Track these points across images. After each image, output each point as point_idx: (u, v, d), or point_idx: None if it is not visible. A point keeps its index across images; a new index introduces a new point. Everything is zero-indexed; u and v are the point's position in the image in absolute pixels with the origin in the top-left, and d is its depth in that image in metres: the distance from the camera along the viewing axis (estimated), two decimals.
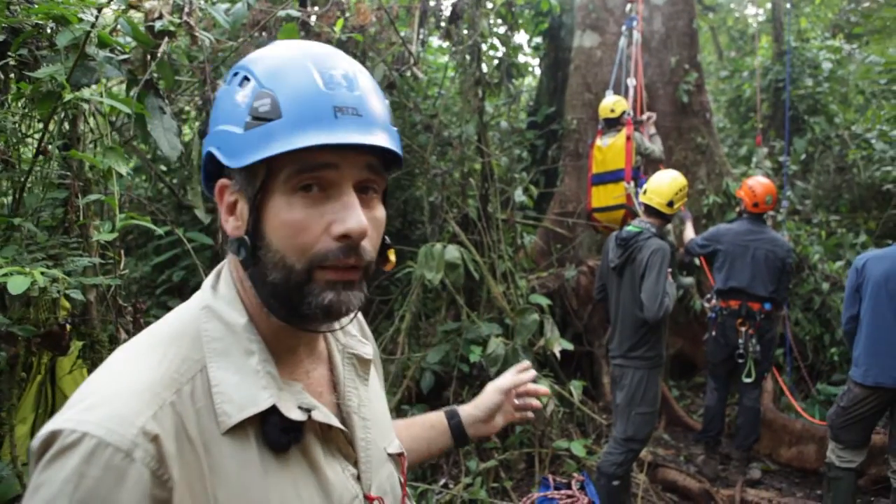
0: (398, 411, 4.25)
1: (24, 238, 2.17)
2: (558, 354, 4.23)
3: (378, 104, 0.79)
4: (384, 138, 0.77)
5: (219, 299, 0.82)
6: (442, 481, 4.01)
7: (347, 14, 3.55)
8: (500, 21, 5.27)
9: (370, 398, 0.96)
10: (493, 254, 4.64)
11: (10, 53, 2.21)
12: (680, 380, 5.91)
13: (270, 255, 0.76)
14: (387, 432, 0.99)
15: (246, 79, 0.77)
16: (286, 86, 0.74)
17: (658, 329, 3.48)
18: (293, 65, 0.76)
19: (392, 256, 0.90)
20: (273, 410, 0.76)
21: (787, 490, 4.28)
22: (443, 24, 4.74)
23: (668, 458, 4.59)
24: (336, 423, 0.84)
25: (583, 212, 5.65)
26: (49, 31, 2.29)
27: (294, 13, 2.74)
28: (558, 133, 6.24)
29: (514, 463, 4.23)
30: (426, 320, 4.77)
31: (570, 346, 4.43)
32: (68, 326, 2.37)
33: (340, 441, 0.86)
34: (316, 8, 3.48)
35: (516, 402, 1.31)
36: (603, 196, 4.98)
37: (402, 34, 4.33)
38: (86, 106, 2.20)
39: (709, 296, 4.52)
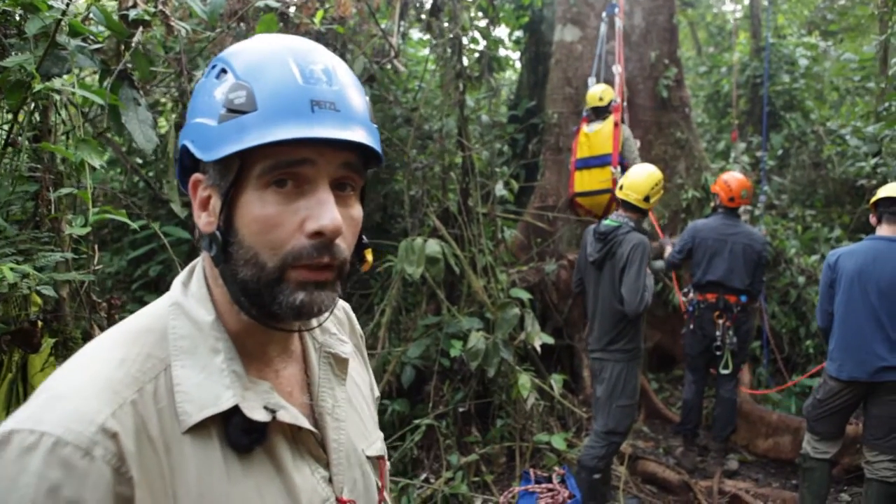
0: (379, 406, 4.23)
1: None
2: (539, 348, 4.24)
3: (358, 99, 0.77)
4: (362, 134, 0.75)
5: (189, 296, 0.81)
6: (423, 476, 4.00)
7: (327, 5, 3.50)
8: (480, 14, 5.25)
9: (349, 397, 0.93)
10: (473, 248, 4.63)
11: None
12: (659, 372, 5.97)
13: (242, 252, 0.74)
14: (367, 434, 0.96)
15: (224, 71, 0.76)
16: (263, 79, 0.72)
17: (637, 322, 3.50)
18: (272, 58, 0.75)
19: (369, 256, 0.89)
20: (236, 410, 0.74)
21: (763, 480, 4.35)
22: (423, 16, 4.70)
23: (647, 451, 4.64)
24: (305, 423, 0.81)
25: (563, 205, 5.66)
26: (18, 18, 2.22)
27: (273, 3, 2.69)
28: (539, 127, 6.24)
29: (495, 457, 4.23)
30: (407, 314, 4.74)
31: (550, 340, 4.44)
32: (40, 323, 2.31)
33: (311, 443, 0.83)
34: None
35: None
36: (587, 180, 5.01)
37: (383, 26, 4.29)
38: (57, 97, 2.14)
39: (686, 290, 4.56)
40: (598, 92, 5.01)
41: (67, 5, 2.00)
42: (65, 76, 2.20)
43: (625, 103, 5.28)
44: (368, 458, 0.94)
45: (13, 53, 2.19)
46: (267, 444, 0.78)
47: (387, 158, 4.90)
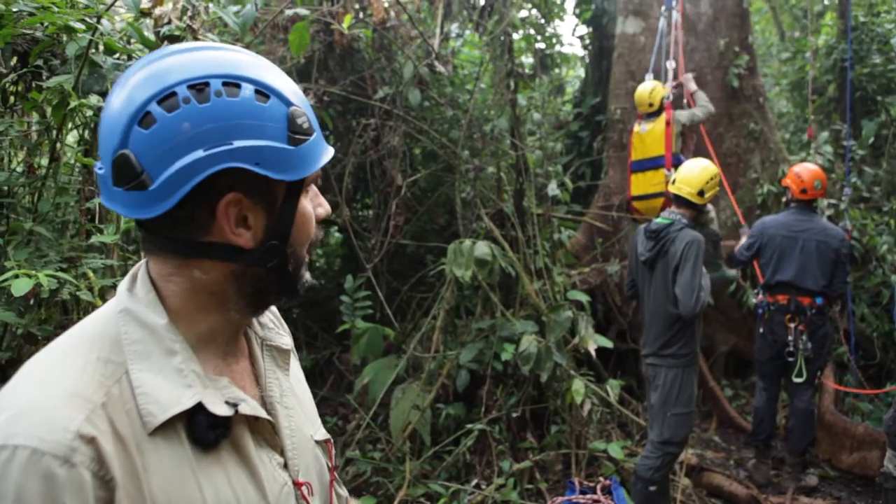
0: (433, 410, 4.22)
1: (40, 241, 2.26)
2: (593, 352, 4.09)
3: None
4: None
5: (136, 302, 0.82)
6: (474, 482, 3.95)
7: (368, 11, 3.53)
8: (535, 12, 5.15)
9: (292, 387, 0.99)
10: (528, 250, 4.54)
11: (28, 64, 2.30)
12: (734, 378, 5.63)
13: (293, 250, 0.86)
14: (312, 419, 1.02)
15: (261, 94, 0.79)
16: (302, 102, 0.84)
17: (692, 325, 3.31)
18: (288, 80, 0.85)
19: None
20: (199, 408, 0.78)
21: (846, 499, 4.00)
22: (474, 16, 4.67)
23: (715, 462, 4.37)
24: (263, 414, 0.86)
25: (624, 206, 5.45)
26: (62, 41, 2.37)
27: (303, 12, 2.74)
28: (602, 124, 6.05)
29: (550, 464, 4.12)
30: (465, 317, 4.71)
31: (607, 344, 4.28)
32: None
33: (267, 432, 0.88)
34: (334, 6, 3.48)
35: None
36: (642, 184, 4.78)
37: (431, 29, 4.29)
38: (88, 112, 2.26)
39: (756, 290, 4.27)
40: (646, 93, 4.70)
41: (95, 27, 2.11)
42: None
43: (684, 77, 5.00)
44: (317, 442, 1.00)
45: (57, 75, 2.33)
46: (231, 436, 0.82)
47: (442, 161, 4.89)
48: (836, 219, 5.09)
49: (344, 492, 1.09)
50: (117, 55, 2.38)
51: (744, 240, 4.47)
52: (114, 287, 2.55)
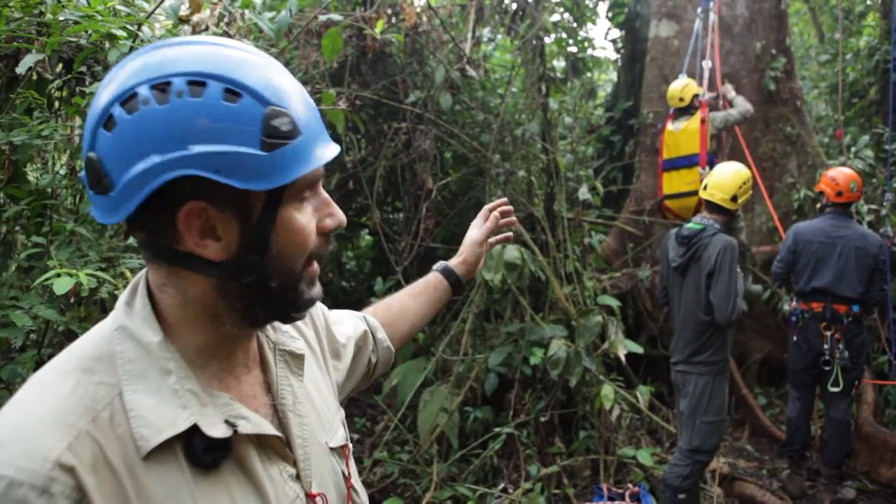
0: (461, 413, 4.23)
1: (80, 241, 2.34)
2: (623, 357, 4.05)
3: None
4: None
5: (133, 317, 0.79)
6: (501, 485, 3.94)
7: (400, 16, 3.57)
8: (568, 16, 5.13)
9: (307, 393, 0.95)
10: (558, 254, 4.52)
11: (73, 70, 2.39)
12: (768, 387, 5.51)
13: (276, 265, 0.78)
14: (328, 425, 0.98)
15: (232, 92, 0.71)
16: (291, 101, 0.75)
17: (724, 332, 3.26)
18: (279, 77, 0.76)
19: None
20: (196, 429, 0.75)
21: None
22: (506, 20, 4.68)
23: (748, 471, 4.29)
24: (268, 430, 0.83)
25: (654, 208, 5.39)
26: (105, 48, 2.45)
27: (336, 17, 2.78)
28: (634, 128, 5.99)
29: (578, 470, 4.09)
30: (495, 321, 4.71)
31: (638, 349, 4.24)
32: None
33: (277, 444, 0.85)
34: (370, 11, 3.52)
35: (492, 240, 1.45)
36: (675, 182, 4.74)
37: (463, 33, 4.31)
38: None
39: (790, 297, 4.18)
40: (678, 89, 4.71)
41: (137, 34, 2.18)
42: None
43: (724, 89, 4.96)
44: (332, 449, 0.96)
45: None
46: (235, 455, 0.79)
47: (474, 165, 4.91)
48: (878, 224, 4.95)
49: (363, 498, 1.03)
50: None
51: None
52: None
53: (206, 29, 2.59)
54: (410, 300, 1.36)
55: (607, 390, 3.89)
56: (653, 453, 4.09)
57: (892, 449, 4.21)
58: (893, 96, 5.45)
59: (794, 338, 4.07)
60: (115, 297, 2.40)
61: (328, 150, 0.80)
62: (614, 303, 4.59)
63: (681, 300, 3.38)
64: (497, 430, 4.06)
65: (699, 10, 5.16)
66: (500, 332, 4.44)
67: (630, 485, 3.45)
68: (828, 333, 3.87)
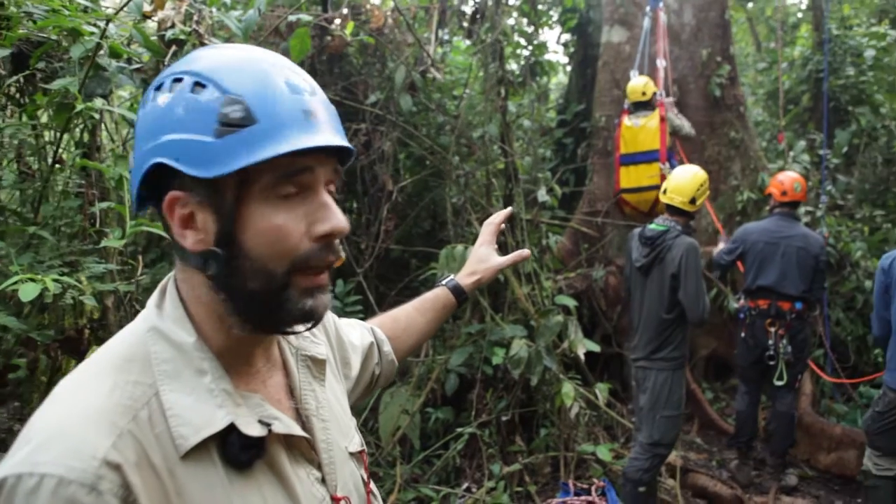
0: (422, 414, 4.25)
1: (42, 246, 2.23)
2: (582, 356, 4.15)
3: (331, 107, 0.82)
4: (345, 141, 0.81)
5: (165, 318, 0.79)
6: (465, 485, 3.98)
7: (365, 17, 3.55)
8: (524, 20, 5.21)
9: (328, 398, 0.96)
10: None
11: (30, 66, 2.28)
12: (714, 381, 5.75)
13: (249, 264, 0.75)
14: (346, 431, 0.99)
15: (199, 85, 0.74)
16: (254, 91, 0.73)
17: (683, 329, 3.39)
18: (253, 69, 0.76)
19: (341, 253, 0.90)
20: (231, 428, 0.75)
21: (825, 498, 4.12)
22: (465, 23, 4.71)
23: (699, 463, 4.47)
24: (298, 431, 0.84)
25: (612, 210, 5.54)
26: (65, 43, 2.35)
27: (306, 17, 2.75)
28: (587, 131, 6.14)
29: (538, 467, 4.17)
30: (452, 322, 4.74)
31: (595, 348, 4.35)
32: (86, 332, 2.44)
33: (303, 447, 0.86)
34: (340, 10, 3.49)
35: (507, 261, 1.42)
36: (634, 176, 4.89)
37: (424, 35, 4.32)
38: (108, 115, 2.25)
39: (738, 295, 4.38)
40: (640, 86, 4.89)
41: (104, 30, 2.10)
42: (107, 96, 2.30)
43: (671, 98, 5.15)
44: (351, 454, 0.97)
45: (60, 77, 2.31)
46: (266, 455, 0.79)
47: (431, 166, 4.92)
48: (813, 226, 5.24)
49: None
50: (122, 58, 2.36)
51: (721, 244, 4.60)
52: (114, 292, 2.53)
53: (173, 26, 2.51)
54: (418, 315, 1.35)
55: (568, 388, 3.98)
56: (610, 448, 4.20)
57: (829, 437, 4.47)
58: (824, 104, 5.79)
59: (742, 334, 4.27)
60: (75, 303, 2.31)
61: (301, 140, 0.73)
62: (571, 303, 4.69)
63: (643, 299, 3.49)
64: (459, 430, 4.09)
65: (647, 9, 5.34)
66: (461, 332, 4.48)
67: (595, 480, 3.55)
68: (772, 330, 4.07)
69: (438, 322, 1.38)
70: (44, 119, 2.43)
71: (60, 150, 2.31)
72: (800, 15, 9.12)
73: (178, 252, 0.80)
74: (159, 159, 0.73)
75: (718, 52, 5.80)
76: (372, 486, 1.01)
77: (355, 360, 1.17)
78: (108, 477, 0.65)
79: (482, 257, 1.40)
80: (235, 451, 0.75)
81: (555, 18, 6.32)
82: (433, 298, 1.37)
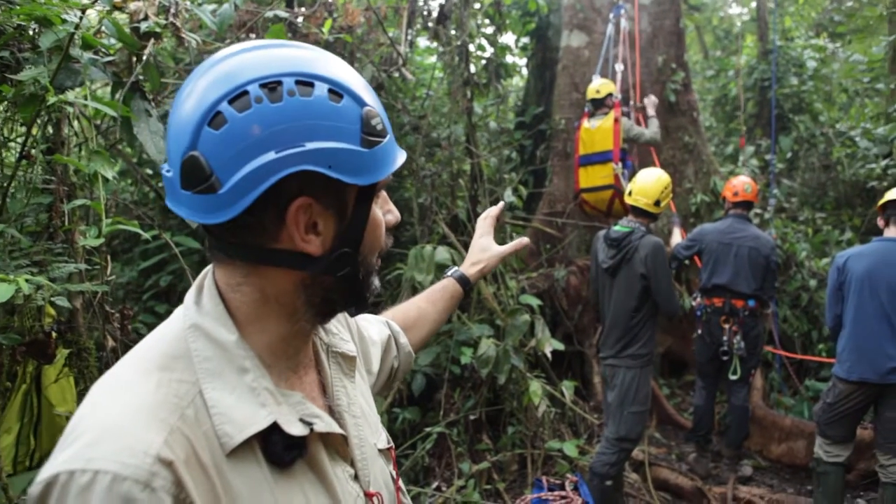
0: (389, 415, 4.23)
1: (8, 245, 2.13)
2: (549, 355, 4.22)
3: None
4: None
5: (204, 316, 0.79)
6: (435, 484, 3.99)
7: (335, 15, 3.52)
8: (487, 21, 5.26)
9: (357, 395, 0.97)
10: None
11: None
12: (670, 378, 5.93)
13: (362, 258, 0.83)
14: (375, 427, 1.00)
15: (336, 93, 0.75)
16: (374, 102, 0.80)
17: (651, 327, 3.49)
18: (360, 79, 0.81)
19: None
20: (274, 427, 0.75)
21: (777, 486, 4.31)
22: (430, 24, 4.72)
23: (659, 457, 4.60)
24: (338, 429, 0.84)
25: (572, 212, 5.65)
26: (32, 32, 2.25)
27: (282, 14, 2.71)
28: (546, 133, 6.24)
29: (506, 464, 4.22)
30: None
31: (561, 347, 4.42)
32: (54, 334, 2.33)
33: (339, 443, 0.87)
34: (303, 9, 3.45)
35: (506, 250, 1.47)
36: (591, 177, 5.03)
37: (391, 34, 4.30)
38: (70, 109, 2.16)
39: (695, 294, 4.54)
40: (595, 85, 5.05)
41: (81, 19, 2.02)
42: (77, 89, 2.21)
43: (647, 100, 5.30)
44: (380, 450, 0.98)
45: (27, 67, 2.21)
46: (307, 454, 0.79)
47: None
48: (762, 227, 5.47)
49: (408, 500, 1.05)
50: (93, 50, 2.28)
51: (676, 230, 4.77)
52: (82, 294, 2.43)
53: (146, 18, 2.43)
54: (429, 306, 1.38)
55: (535, 386, 4.04)
56: (576, 444, 4.29)
57: (780, 429, 4.68)
58: (771, 112, 6.06)
59: (699, 331, 4.42)
60: (53, 305, 2.21)
61: (401, 150, 0.86)
62: (536, 302, 4.76)
63: (611, 299, 3.58)
64: (428, 429, 4.10)
65: (611, 15, 5.49)
66: None
67: (568, 475, 3.61)
68: (727, 326, 4.24)
69: (448, 311, 1.42)
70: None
71: (28, 145, 2.21)
72: (739, 24, 9.53)
73: (261, 256, 0.77)
74: (306, 167, 0.72)
75: (673, 59, 6.00)
76: (400, 482, 1.01)
77: (375, 355, 1.18)
78: (162, 474, 0.65)
79: (483, 247, 1.47)
80: (279, 450, 0.76)
81: (513, 21, 6.39)
82: (441, 289, 1.42)
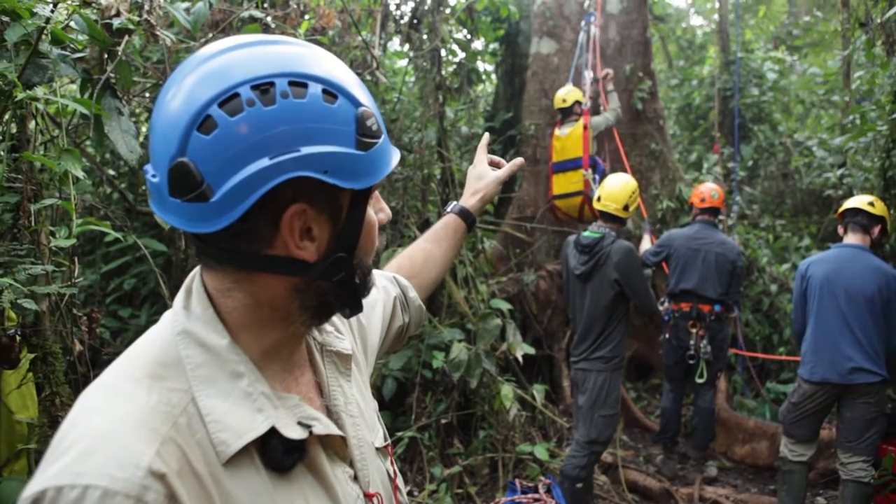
0: None
1: None
2: (521, 359, 4.25)
3: None
4: None
5: (194, 321, 0.76)
6: (406, 489, 3.97)
7: (308, 16, 3.49)
8: (460, 27, 5.29)
9: (354, 394, 0.95)
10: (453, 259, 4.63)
11: None
12: (637, 381, 6.03)
13: (357, 261, 0.81)
14: (372, 425, 0.98)
15: (329, 94, 0.72)
16: (369, 102, 0.77)
17: (622, 331, 3.54)
18: (354, 77, 0.78)
19: None
20: (272, 432, 0.73)
21: (742, 486, 4.42)
22: (403, 28, 4.73)
23: (627, 459, 4.67)
24: (337, 431, 0.83)
25: (541, 216, 5.71)
26: None
27: (257, 14, 2.68)
28: (516, 139, 6.30)
29: (477, 468, 4.22)
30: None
31: (532, 351, 4.46)
32: (18, 338, 2.25)
33: (337, 444, 0.85)
34: (275, 10, 3.42)
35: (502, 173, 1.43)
36: (563, 183, 5.15)
37: (364, 37, 4.29)
38: (39, 106, 2.10)
39: (662, 299, 4.63)
40: (562, 94, 5.16)
41: (52, 13, 1.96)
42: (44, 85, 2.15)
43: (602, 73, 5.44)
44: (377, 449, 0.96)
45: None
46: (306, 457, 0.78)
47: None
48: (726, 234, 5.61)
49: (405, 499, 1.03)
50: (63, 45, 2.22)
51: (646, 236, 4.87)
52: (48, 296, 2.35)
53: (118, 14, 2.38)
54: (434, 247, 1.33)
55: (507, 390, 4.06)
56: (546, 447, 4.32)
57: (743, 430, 4.80)
58: (734, 121, 6.23)
59: (667, 335, 4.51)
60: (16, 308, 2.14)
61: (395, 149, 0.83)
62: (506, 306, 4.79)
63: (583, 304, 3.61)
64: (400, 434, 4.08)
65: (583, 23, 5.59)
66: None
67: (542, 478, 3.64)
68: (694, 331, 4.33)
69: (454, 249, 1.36)
70: None
71: None
72: (700, 34, 9.79)
73: (254, 262, 0.74)
74: (301, 173, 0.69)
75: (640, 68, 6.12)
76: (398, 481, 1.00)
77: (375, 329, 1.14)
78: (154, 487, 0.62)
79: (479, 175, 1.41)
80: (278, 455, 0.74)
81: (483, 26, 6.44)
82: (443, 226, 1.36)
